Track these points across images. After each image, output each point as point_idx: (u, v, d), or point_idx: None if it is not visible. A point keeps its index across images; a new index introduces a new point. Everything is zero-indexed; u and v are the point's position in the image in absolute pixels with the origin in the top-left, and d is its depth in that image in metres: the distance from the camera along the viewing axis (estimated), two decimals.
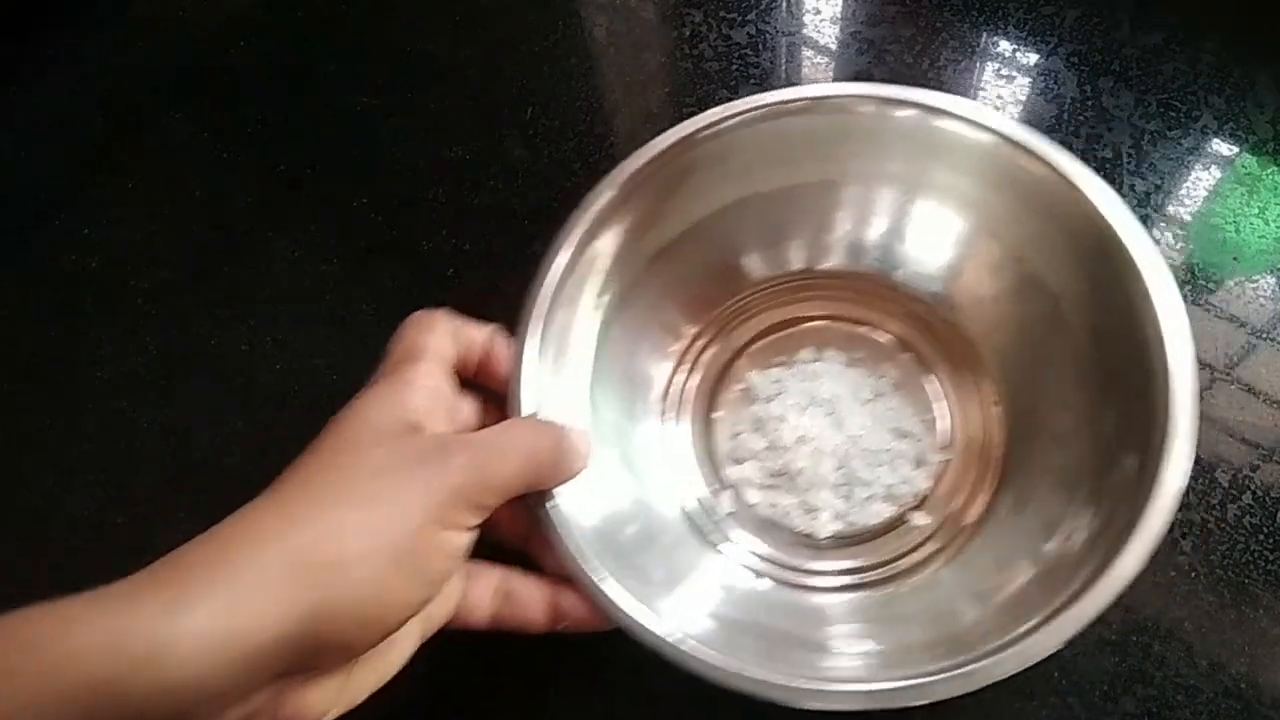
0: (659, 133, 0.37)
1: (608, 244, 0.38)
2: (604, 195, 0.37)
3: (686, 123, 0.38)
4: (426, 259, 0.49)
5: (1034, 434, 0.38)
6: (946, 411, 0.42)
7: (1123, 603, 0.38)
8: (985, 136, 0.36)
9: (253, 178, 0.52)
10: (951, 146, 0.38)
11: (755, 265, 0.43)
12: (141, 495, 0.44)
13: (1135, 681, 0.36)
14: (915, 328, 0.43)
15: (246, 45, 0.57)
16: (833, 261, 0.43)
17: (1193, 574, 0.38)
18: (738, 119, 0.38)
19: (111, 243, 0.51)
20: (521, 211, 0.49)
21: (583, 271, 0.37)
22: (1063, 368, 0.37)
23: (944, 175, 0.39)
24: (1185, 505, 0.40)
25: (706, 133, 0.38)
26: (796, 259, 0.44)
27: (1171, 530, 0.39)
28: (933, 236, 0.41)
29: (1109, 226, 0.33)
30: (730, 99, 0.53)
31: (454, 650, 0.30)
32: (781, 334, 0.44)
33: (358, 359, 0.49)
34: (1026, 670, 0.27)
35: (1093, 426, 0.35)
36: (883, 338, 0.44)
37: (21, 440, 0.46)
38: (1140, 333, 0.32)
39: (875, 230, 0.42)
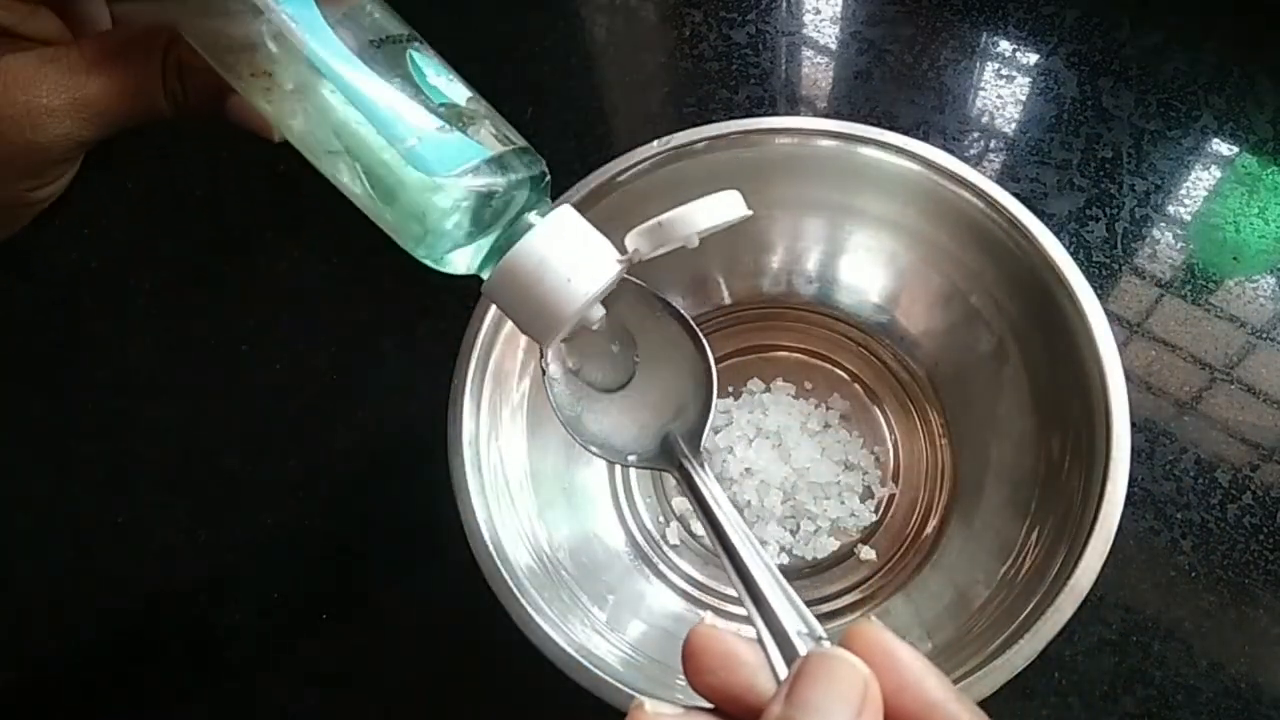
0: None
1: None
2: None
3: (605, 168, 0.37)
4: None
5: (981, 462, 0.38)
6: (894, 443, 0.42)
7: (1123, 602, 0.38)
8: (913, 166, 0.36)
9: (253, 178, 0.52)
10: (879, 176, 0.37)
11: (697, 299, 0.43)
12: (141, 495, 0.44)
13: (1135, 681, 0.36)
14: (863, 359, 0.43)
15: None
16: (777, 292, 0.43)
17: (1193, 574, 0.38)
18: (668, 153, 0.37)
19: (111, 243, 0.51)
20: None
21: None
22: (1008, 398, 0.37)
23: (876, 205, 0.38)
24: (1185, 505, 0.40)
25: (636, 169, 0.37)
26: (741, 290, 0.43)
27: (1172, 530, 0.39)
28: (875, 268, 0.41)
29: (1046, 261, 0.33)
30: (730, 99, 0.54)
31: None
32: (729, 364, 0.44)
33: (358, 359, 0.49)
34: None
35: (1038, 452, 0.35)
36: (831, 368, 0.44)
37: (21, 440, 0.46)
38: (1081, 364, 0.32)
39: (819, 260, 0.42)
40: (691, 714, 0.18)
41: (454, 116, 0.22)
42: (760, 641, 0.20)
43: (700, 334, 0.28)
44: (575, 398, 0.29)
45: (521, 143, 0.23)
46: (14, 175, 0.24)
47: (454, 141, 0.21)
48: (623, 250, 0.24)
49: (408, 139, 0.20)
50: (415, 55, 0.22)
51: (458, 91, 0.22)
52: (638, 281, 0.27)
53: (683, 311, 0.28)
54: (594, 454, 0.29)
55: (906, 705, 0.17)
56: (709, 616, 0.20)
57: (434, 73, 0.22)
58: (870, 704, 0.16)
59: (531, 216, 0.23)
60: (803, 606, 0.20)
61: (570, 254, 0.23)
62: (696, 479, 0.26)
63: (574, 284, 0.22)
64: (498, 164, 0.22)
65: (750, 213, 0.25)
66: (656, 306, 0.28)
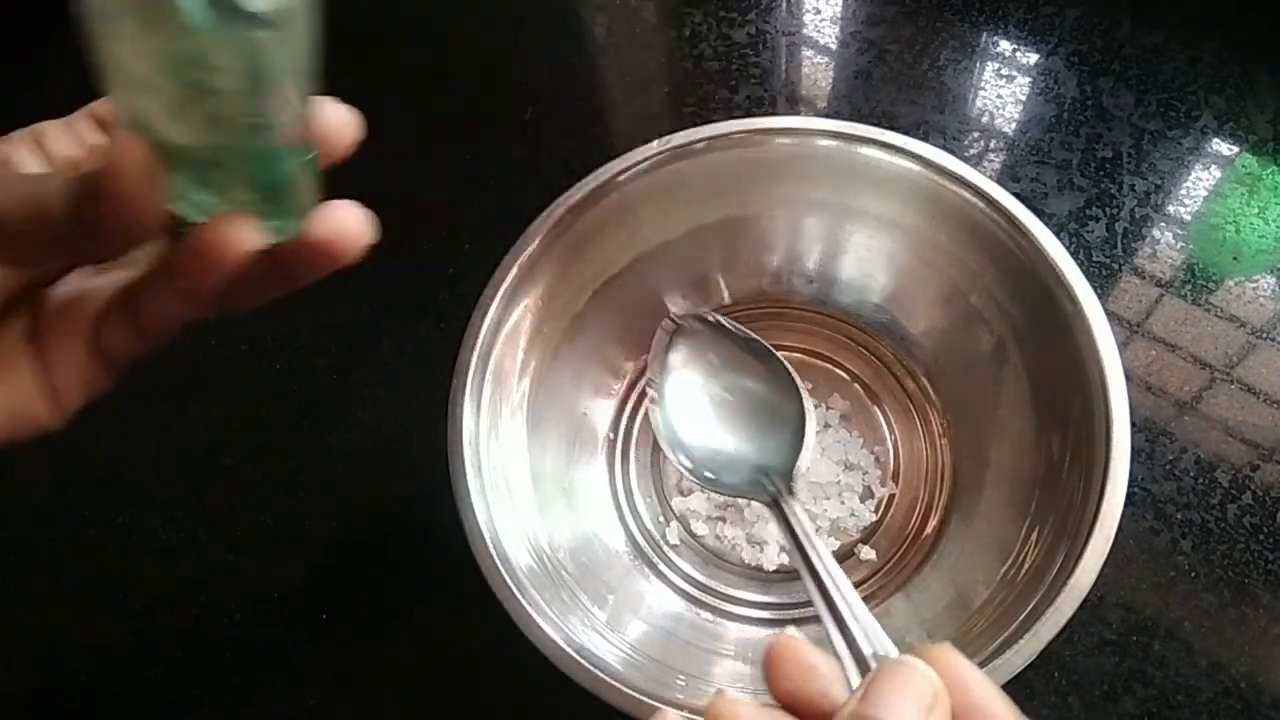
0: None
1: (543, 285, 0.37)
2: (534, 241, 0.36)
3: (605, 168, 0.37)
4: (426, 259, 0.49)
5: (981, 462, 0.38)
6: (894, 443, 0.42)
7: (1123, 602, 0.38)
8: (913, 166, 0.36)
9: None
10: (879, 176, 0.37)
11: (696, 299, 0.43)
12: (141, 495, 0.44)
13: (1135, 681, 0.36)
14: (863, 359, 0.43)
15: None
16: (777, 291, 0.43)
17: (1193, 574, 0.38)
18: (664, 155, 0.37)
19: None
20: (521, 211, 0.49)
21: (519, 315, 0.36)
22: (1008, 398, 0.37)
23: (876, 205, 0.38)
24: (1185, 505, 0.40)
25: (636, 169, 0.37)
26: (741, 289, 0.43)
27: (1171, 530, 0.39)
28: (874, 268, 0.41)
29: (1046, 261, 0.33)
30: (730, 99, 0.54)
31: None
32: None
33: (358, 359, 0.49)
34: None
35: (1038, 452, 0.35)
36: (831, 368, 0.43)
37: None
38: (1080, 364, 0.32)
39: (819, 260, 0.42)
40: (767, 710, 0.20)
41: None
42: (838, 660, 0.22)
43: (796, 377, 0.32)
44: (678, 427, 0.30)
45: None
46: None
47: None
48: None
49: None
50: None
51: None
52: (748, 332, 0.28)
53: (780, 358, 0.32)
54: (689, 479, 0.32)
55: None
56: (790, 629, 0.22)
57: None
58: (940, 708, 0.18)
59: None
60: (881, 633, 0.23)
61: None
62: (788, 512, 0.28)
63: None
64: None
65: None
66: (758, 352, 0.31)
